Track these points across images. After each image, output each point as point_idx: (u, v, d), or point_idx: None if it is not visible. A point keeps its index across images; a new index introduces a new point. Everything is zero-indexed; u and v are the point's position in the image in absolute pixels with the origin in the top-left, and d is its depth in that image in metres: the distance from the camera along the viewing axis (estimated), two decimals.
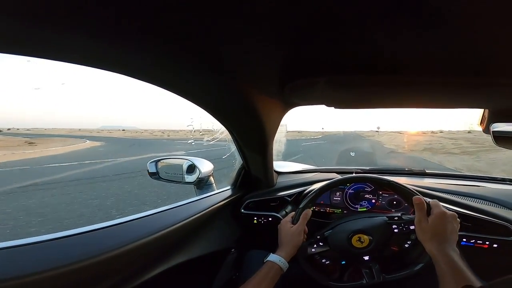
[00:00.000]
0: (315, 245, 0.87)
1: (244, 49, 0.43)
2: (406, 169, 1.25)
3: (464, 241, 0.87)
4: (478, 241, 0.86)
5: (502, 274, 1.09)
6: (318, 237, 0.88)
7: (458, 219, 0.72)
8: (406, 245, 0.86)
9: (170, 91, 0.57)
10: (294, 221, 0.85)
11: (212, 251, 0.98)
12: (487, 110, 0.67)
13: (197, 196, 1.01)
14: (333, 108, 0.66)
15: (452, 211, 0.90)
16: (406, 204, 0.97)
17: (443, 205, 0.92)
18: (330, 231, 0.88)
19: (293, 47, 0.42)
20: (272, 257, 0.77)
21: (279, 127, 0.85)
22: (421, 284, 0.87)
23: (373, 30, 0.36)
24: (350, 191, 1.05)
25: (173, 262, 0.78)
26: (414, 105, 0.66)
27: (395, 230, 0.82)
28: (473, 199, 0.97)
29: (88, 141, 25.29)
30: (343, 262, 0.90)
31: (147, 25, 0.35)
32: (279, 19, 0.34)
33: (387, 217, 0.84)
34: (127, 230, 0.65)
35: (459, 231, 0.88)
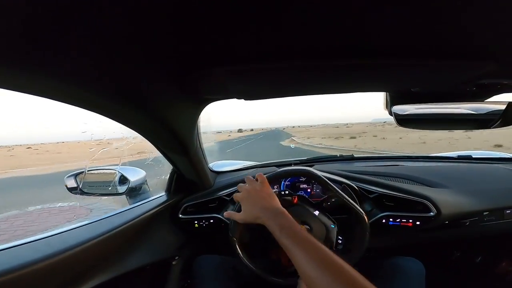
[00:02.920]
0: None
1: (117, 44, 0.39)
2: (338, 156, 1.31)
3: (391, 221, 0.92)
4: (403, 220, 0.91)
5: (429, 250, 1.21)
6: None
7: (258, 184, 0.71)
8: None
9: (74, 105, 0.50)
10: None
11: (153, 261, 0.92)
12: (388, 94, 0.70)
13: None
14: (243, 100, 0.65)
15: (376, 192, 0.95)
16: None
17: (367, 187, 0.98)
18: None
19: (177, 36, 0.39)
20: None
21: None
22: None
23: (264, 18, 0.35)
24: (286, 183, 1.06)
25: (105, 277, 0.72)
26: (320, 91, 0.67)
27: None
28: (394, 178, 1.04)
29: None
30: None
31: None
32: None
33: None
34: (38, 248, 0.59)
35: (386, 212, 0.93)
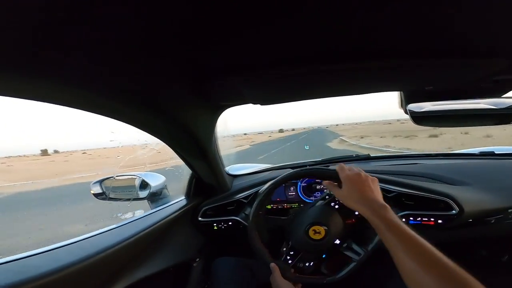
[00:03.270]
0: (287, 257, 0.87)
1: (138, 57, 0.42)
2: (354, 156, 1.30)
3: (411, 220, 0.90)
4: (424, 218, 0.89)
5: (452, 249, 1.16)
6: (284, 249, 0.88)
7: (370, 176, 0.69)
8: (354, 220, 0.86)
9: (96, 113, 0.54)
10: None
11: (175, 263, 0.96)
12: (402, 93, 0.70)
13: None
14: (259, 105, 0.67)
15: (395, 191, 0.94)
16: None
17: (385, 186, 0.96)
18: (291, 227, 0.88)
19: (192, 46, 0.41)
20: None
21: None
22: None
23: (277, 23, 0.36)
24: (303, 184, 1.07)
25: (132, 279, 0.76)
26: (334, 93, 0.67)
27: (336, 207, 0.83)
28: (413, 177, 1.02)
29: None
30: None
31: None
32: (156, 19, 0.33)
33: (323, 200, 0.84)
34: (72, 251, 0.63)
35: (406, 211, 0.91)
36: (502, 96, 0.67)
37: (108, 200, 1.01)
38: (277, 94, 0.63)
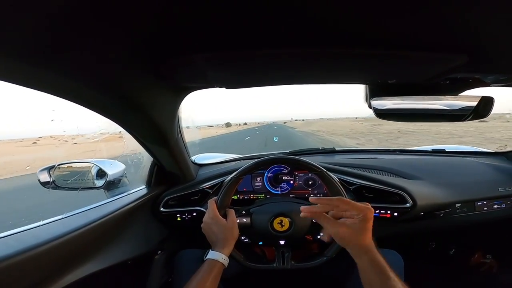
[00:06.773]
0: (239, 217, 0.86)
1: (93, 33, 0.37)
2: (320, 148, 1.34)
3: None
4: (382, 211, 0.94)
5: (407, 242, 1.25)
6: (244, 212, 0.87)
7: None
8: (318, 236, 0.86)
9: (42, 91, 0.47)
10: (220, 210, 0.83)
11: (135, 256, 0.91)
12: (367, 87, 0.72)
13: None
14: (224, 88, 0.64)
15: (357, 184, 0.97)
16: (319, 182, 1.03)
17: (348, 178, 1.00)
18: (257, 207, 0.88)
19: (155, 20, 0.38)
20: (213, 254, 0.74)
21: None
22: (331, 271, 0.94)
23: (248, 3, 0.34)
24: (269, 174, 1.07)
25: (86, 271, 0.71)
26: (300, 80, 0.66)
27: (314, 220, 0.81)
28: (373, 170, 1.08)
29: None
30: (260, 243, 0.90)
31: None
32: None
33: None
34: (13, 241, 0.57)
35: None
36: (459, 95, 0.72)
37: (56, 189, 0.91)
38: (242, 77, 0.61)
